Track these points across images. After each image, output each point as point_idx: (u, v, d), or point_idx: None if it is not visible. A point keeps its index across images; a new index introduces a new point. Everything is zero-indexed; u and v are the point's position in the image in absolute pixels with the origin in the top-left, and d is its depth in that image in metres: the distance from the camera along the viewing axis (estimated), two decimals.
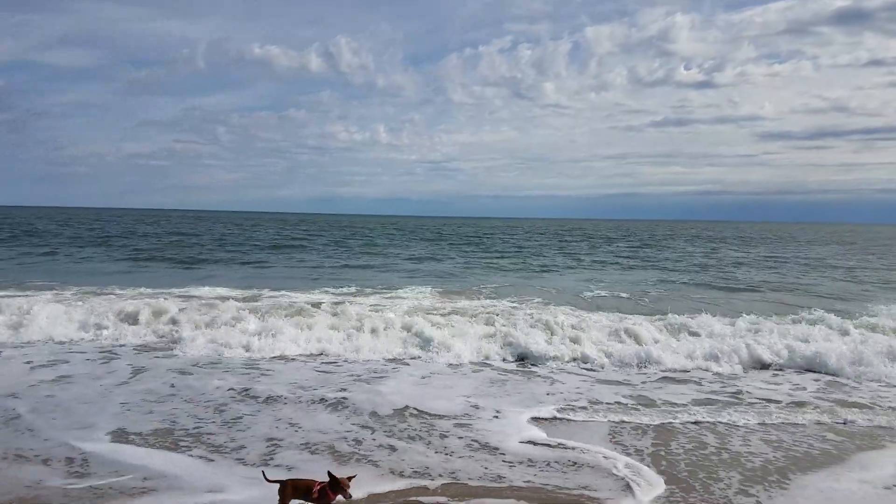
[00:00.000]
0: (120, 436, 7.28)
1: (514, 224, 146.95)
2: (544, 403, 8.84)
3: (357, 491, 5.61)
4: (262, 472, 5.50)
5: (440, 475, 6.34)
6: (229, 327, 12.48)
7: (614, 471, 6.49)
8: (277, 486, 5.23)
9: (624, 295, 19.95)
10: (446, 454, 6.93)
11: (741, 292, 21.70)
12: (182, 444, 7.05)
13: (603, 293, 20.27)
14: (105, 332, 12.51)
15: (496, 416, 8.24)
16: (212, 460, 6.63)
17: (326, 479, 5.19)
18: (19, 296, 15.76)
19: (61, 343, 11.98)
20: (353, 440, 7.30)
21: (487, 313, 14.42)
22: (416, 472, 6.43)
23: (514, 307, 16.45)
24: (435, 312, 14.87)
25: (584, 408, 8.67)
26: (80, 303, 14.75)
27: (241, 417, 8.02)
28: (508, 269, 29.04)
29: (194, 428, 7.59)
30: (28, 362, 10.51)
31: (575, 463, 6.70)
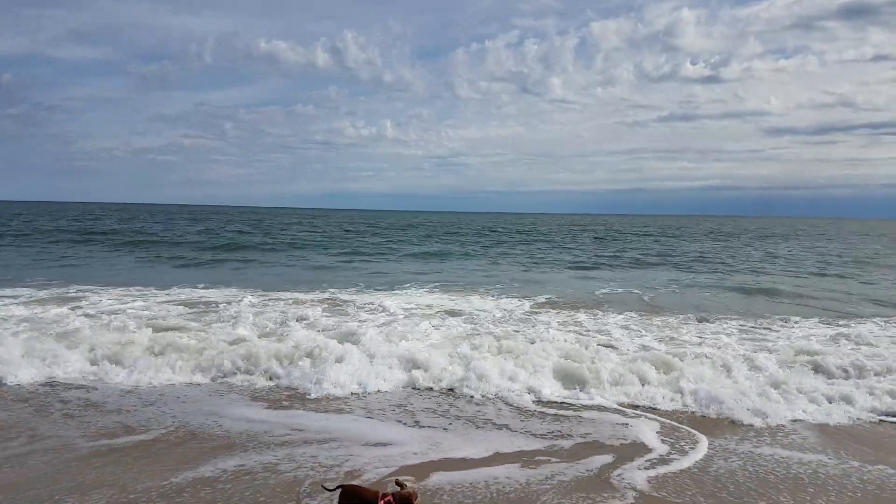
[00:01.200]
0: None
1: (521, 219, 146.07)
2: None
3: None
4: (322, 485, 5.54)
5: (576, 435, 7.35)
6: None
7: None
8: (339, 491, 5.19)
9: (635, 291, 19.56)
10: (560, 420, 7.92)
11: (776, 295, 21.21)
12: (344, 408, 8.19)
13: (618, 290, 19.97)
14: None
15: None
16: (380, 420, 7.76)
17: (384, 489, 5.11)
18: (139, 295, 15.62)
19: None
20: (457, 409, 8.25)
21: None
22: (551, 433, 7.40)
23: (526, 310, 16.09)
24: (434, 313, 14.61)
25: None
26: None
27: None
28: (517, 264, 28.74)
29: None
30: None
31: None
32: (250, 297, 15.92)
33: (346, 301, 15.90)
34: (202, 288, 17.80)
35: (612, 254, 36.61)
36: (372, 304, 15.38)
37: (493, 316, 14.21)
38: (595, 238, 55.53)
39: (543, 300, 17.11)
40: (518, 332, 12.23)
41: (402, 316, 13.77)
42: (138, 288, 17.22)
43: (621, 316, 14.69)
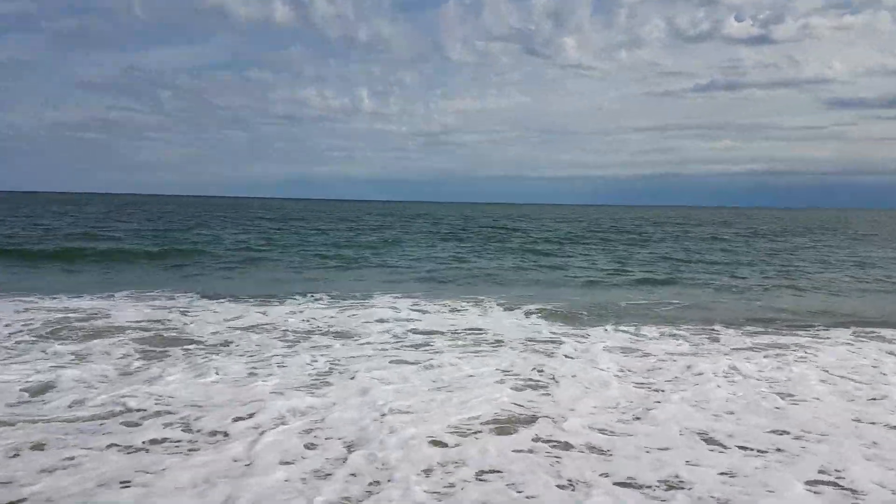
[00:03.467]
0: None
1: (529, 212, 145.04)
2: None
3: None
4: None
5: None
6: None
7: None
8: None
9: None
10: None
11: None
12: None
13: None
14: None
15: None
16: None
17: None
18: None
19: None
20: None
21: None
22: None
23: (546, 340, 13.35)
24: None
25: None
26: None
27: None
28: (528, 272, 26.46)
29: None
30: None
31: None
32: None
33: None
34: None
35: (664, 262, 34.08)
36: None
37: None
38: (626, 235, 53.08)
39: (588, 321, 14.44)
40: None
41: None
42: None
43: None
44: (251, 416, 7.85)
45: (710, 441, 7.48)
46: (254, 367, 10.06)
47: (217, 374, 9.61)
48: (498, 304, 17.12)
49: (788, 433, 7.81)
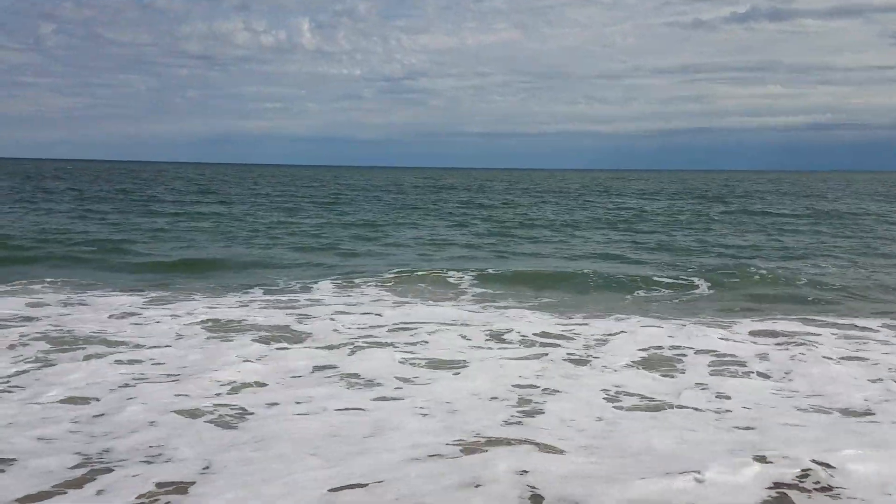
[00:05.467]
0: None
1: (523, 180, 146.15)
2: None
3: None
4: None
5: None
6: None
7: None
8: None
9: None
10: None
11: None
12: None
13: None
14: None
15: None
16: None
17: None
18: None
19: None
20: None
21: None
22: None
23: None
24: None
25: None
26: None
27: None
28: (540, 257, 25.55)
29: None
30: None
31: None
32: None
33: None
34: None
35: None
36: None
37: None
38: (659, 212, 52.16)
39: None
40: None
41: None
42: None
43: None
44: None
45: None
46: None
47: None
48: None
49: None
